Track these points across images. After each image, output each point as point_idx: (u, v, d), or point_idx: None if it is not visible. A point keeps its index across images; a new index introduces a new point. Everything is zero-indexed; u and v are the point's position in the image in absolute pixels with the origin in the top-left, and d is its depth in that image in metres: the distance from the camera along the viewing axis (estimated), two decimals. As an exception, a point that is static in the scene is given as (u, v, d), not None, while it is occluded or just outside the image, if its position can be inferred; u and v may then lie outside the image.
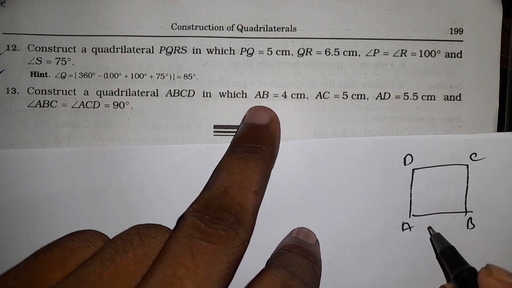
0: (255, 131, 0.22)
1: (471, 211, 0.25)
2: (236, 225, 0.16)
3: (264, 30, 0.26)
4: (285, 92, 0.26)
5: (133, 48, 0.26)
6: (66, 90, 0.26)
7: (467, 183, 0.25)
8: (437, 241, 0.24)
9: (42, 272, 0.15)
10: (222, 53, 0.26)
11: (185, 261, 0.15)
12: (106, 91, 0.26)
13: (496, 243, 0.25)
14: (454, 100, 0.26)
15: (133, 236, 0.17)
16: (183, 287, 0.14)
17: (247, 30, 0.26)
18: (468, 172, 0.25)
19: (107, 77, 0.26)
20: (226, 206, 0.17)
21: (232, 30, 0.26)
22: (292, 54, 0.26)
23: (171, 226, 0.25)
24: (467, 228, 0.25)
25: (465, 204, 0.25)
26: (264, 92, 0.26)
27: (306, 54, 0.26)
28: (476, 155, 0.25)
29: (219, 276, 0.15)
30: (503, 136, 0.25)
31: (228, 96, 0.26)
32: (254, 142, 0.20)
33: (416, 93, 0.26)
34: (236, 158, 0.19)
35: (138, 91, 0.26)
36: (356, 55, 0.26)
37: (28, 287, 0.15)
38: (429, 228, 0.25)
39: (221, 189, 0.18)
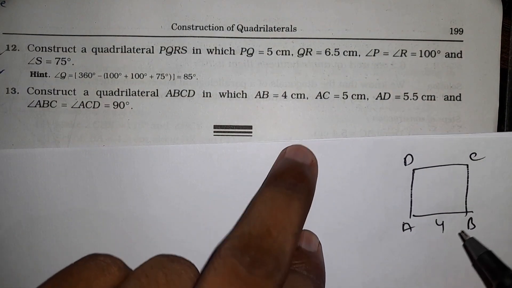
0: (299, 169, 0.21)
1: (472, 211, 0.25)
2: (276, 271, 0.15)
3: (264, 30, 0.26)
4: (285, 92, 0.26)
5: (133, 48, 0.26)
6: (66, 90, 0.26)
7: (467, 183, 0.25)
8: (473, 246, 0.23)
9: None
10: (222, 53, 0.26)
11: None
12: (106, 91, 0.26)
13: (496, 243, 0.25)
14: (454, 100, 0.26)
15: (157, 272, 0.16)
16: None
17: (247, 30, 0.26)
18: (468, 172, 0.25)
19: (107, 77, 0.26)
20: (268, 248, 0.16)
21: (232, 30, 0.26)
22: (292, 54, 0.26)
23: (171, 226, 0.25)
24: (468, 228, 0.25)
25: (466, 204, 0.25)
26: (264, 92, 0.26)
27: (306, 54, 0.26)
28: (476, 155, 0.25)
29: None
30: (502, 136, 0.25)
31: (228, 96, 0.26)
32: (298, 180, 0.20)
33: (416, 93, 0.26)
34: (280, 194, 0.19)
35: (138, 91, 0.26)
36: (356, 55, 0.26)
37: None
38: (462, 232, 0.24)
39: (263, 228, 0.17)
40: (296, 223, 0.18)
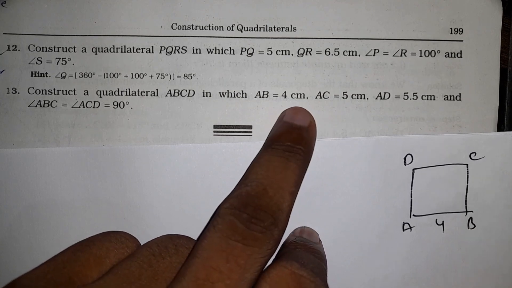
0: (296, 132, 0.21)
1: (472, 211, 0.25)
2: (273, 226, 0.16)
3: (264, 30, 0.26)
4: (285, 92, 0.26)
5: (133, 48, 0.26)
6: (66, 90, 0.26)
7: (467, 182, 0.25)
8: None
9: (80, 269, 0.16)
10: (222, 53, 0.26)
11: (219, 264, 0.15)
12: (106, 91, 0.26)
13: (497, 243, 0.25)
14: (454, 100, 0.26)
15: (167, 243, 0.17)
16: None
17: (247, 30, 0.26)
18: (468, 171, 0.25)
19: (107, 77, 0.26)
20: (265, 205, 0.17)
21: (232, 30, 0.26)
22: (292, 54, 0.26)
23: (171, 225, 0.25)
24: (468, 228, 0.25)
25: (466, 204, 0.25)
26: (264, 92, 0.26)
27: (306, 54, 0.26)
28: (475, 154, 0.25)
29: (251, 278, 0.15)
30: (502, 135, 0.25)
31: (228, 96, 0.26)
32: (295, 143, 0.20)
33: (416, 93, 0.26)
34: (277, 156, 0.19)
35: (138, 91, 0.26)
36: (356, 55, 0.26)
37: (67, 281, 0.15)
38: None
39: (260, 187, 0.17)
40: (293, 183, 0.18)
